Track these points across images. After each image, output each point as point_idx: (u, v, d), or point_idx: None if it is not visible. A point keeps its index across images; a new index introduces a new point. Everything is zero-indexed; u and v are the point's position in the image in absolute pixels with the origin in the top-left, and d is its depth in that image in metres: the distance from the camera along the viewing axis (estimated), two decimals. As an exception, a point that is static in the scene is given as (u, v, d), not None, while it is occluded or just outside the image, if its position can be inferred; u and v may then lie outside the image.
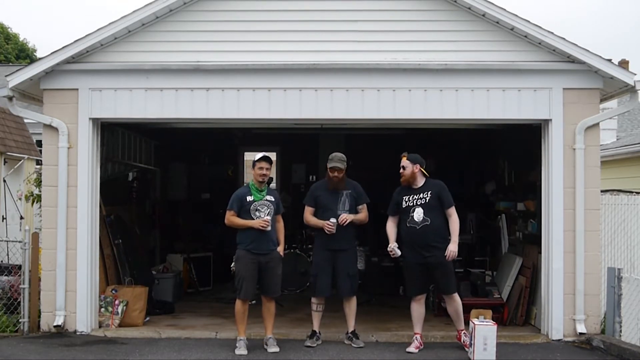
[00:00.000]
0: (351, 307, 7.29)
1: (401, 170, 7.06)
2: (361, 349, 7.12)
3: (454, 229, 6.97)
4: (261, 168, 7.11)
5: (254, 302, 7.59)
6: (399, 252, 7.01)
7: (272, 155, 14.17)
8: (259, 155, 7.21)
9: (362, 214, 7.34)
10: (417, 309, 7.13)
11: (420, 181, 7.06)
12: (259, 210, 7.02)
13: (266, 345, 7.07)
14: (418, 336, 7.10)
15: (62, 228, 7.72)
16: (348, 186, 7.33)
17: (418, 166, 7.05)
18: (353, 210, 7.27)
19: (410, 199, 7.00)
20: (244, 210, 7.02)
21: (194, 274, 10.99)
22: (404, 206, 7.02)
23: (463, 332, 7.10)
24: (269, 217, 6.97)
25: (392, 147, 12.31)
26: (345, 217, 7.14)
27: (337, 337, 7.51)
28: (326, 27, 7.71)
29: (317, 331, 7.34)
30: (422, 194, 6.98)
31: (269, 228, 6.95)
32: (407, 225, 6.97)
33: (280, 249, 7.17)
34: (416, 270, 7.02)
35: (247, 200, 7.04)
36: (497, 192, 10.81)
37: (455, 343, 7.30)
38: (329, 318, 7.93)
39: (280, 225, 7.26)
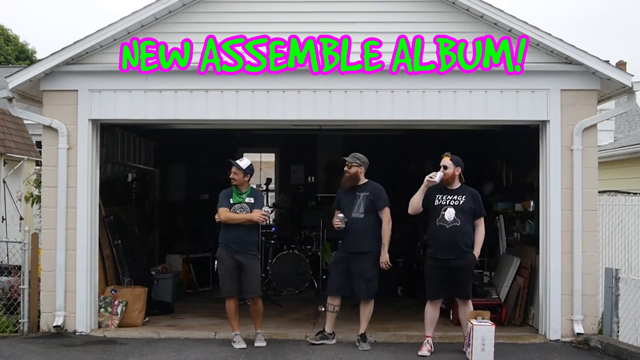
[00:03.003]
0: (364, 310, 7.23)
1: (442, 170, 6.94)
2: (361, 351, 7.08)
3: (478, 240, 6.90)
4: (231, 171, 7.27)
5: (248, 302, 7.65)
6: (437, 179, 6.80)
7: (271, 156, 14.32)
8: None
9: (385, 224, 7.14)
10: (432, 312, 7.02)
11: (457, 184, 6.97)
12: (236, 212, 7.20)
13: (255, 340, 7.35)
14: (429, 339, 7.01)
15: (62, 229, 7.75)
16: (367, 189, 7.26)
17: (459, 169, 6.97)
18: (368, 212, 7.15)
19: (443, 198, 6.89)
20: None
21: (193, 274, 11.02)
22: (435, 204, 6.90)
23: None
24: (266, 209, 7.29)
25: (390, 147, 12.45)
26: (385, 263, 7.08)
27: (335, 337, 7.53)
28: (324, 29, 7.72)
29: (329, 331, 7.32)
30: (456, 196, 6.88)
31: (267, 219, 7.16)
32: (437, 223, 6.84)
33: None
34: (438, 273, 6.89)
35: (230, 202, 7.25)
36: (495, 193, 10.83)
37: (453, 344, 7.34)
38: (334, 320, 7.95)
39: None
